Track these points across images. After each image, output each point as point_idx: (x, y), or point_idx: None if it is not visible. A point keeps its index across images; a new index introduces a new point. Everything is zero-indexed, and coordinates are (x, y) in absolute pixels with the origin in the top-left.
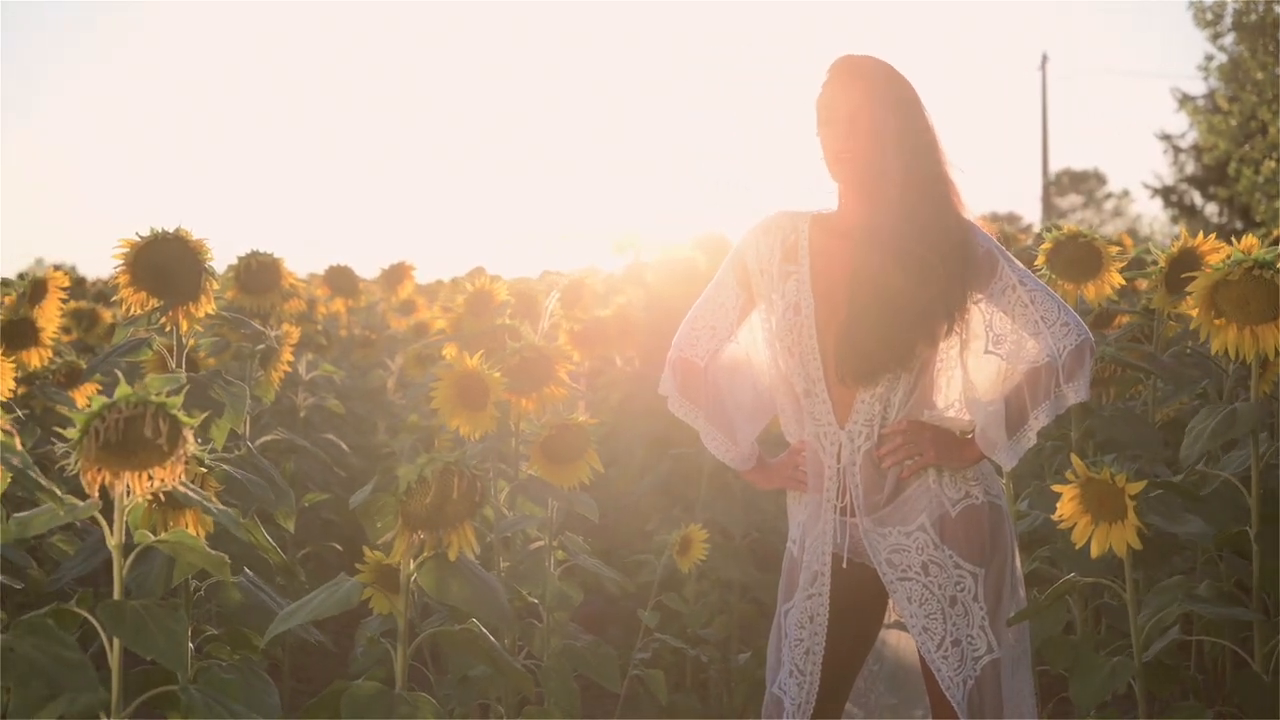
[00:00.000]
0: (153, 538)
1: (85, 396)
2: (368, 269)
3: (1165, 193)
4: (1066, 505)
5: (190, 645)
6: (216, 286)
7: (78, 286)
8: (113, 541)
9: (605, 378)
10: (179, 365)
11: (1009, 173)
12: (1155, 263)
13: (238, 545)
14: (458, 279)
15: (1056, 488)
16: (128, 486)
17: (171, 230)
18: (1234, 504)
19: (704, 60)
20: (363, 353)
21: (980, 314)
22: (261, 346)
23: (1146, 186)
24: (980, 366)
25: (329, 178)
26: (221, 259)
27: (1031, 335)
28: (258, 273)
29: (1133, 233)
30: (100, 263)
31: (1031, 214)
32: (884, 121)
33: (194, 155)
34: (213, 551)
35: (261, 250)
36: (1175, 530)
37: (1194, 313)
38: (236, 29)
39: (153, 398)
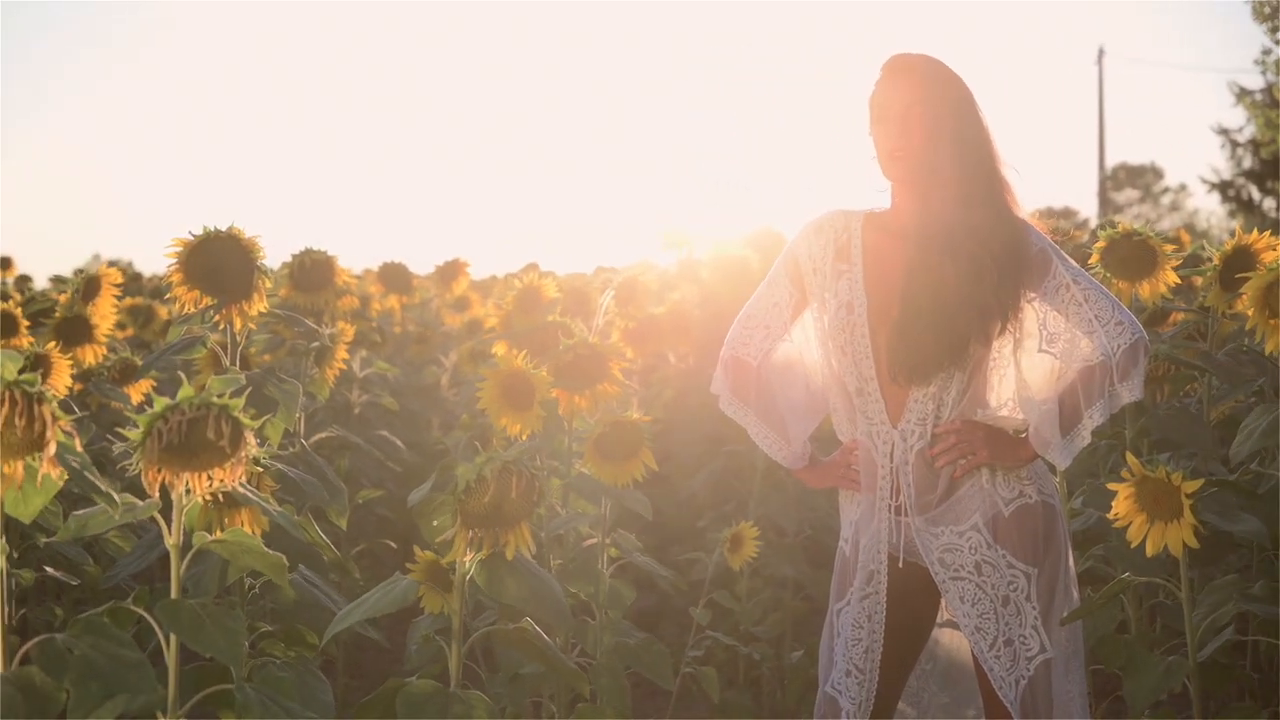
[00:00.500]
0: (210, 538)
1: (140, 393)
2: (423, 265)
3: (1223, 187)
4: (1122, 504)
5: (245, 643)
6: (269, 285)
7: (134, 282)
8: (170, 541)
9: (658, 374)
10: (233, 363)
11: (1065, 167)
12: (1210, 260)
13: (292, 543)
14: (511, 275)
15: (1112, 486)
16: (187, 487)
17: (224, 229)
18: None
19: (763, 53)
20: (417, 349)
21: (1034, 312)
22: (316, 344)
23: (1204, 181)
24: (1034, 365)
25: (385, 174)
26: (277, 256)
27: (1085, 334)
28: (311, 270)
29: (1190, 228)
30: (157, 258)
31: (1088, 209)
32: (937, 119)
33: (250, 151)
34: (269, 552)
35: (315, 248)
36: (1231, 529)
37: (1249, 312)
38: (294, 22)
39: (215, 400)
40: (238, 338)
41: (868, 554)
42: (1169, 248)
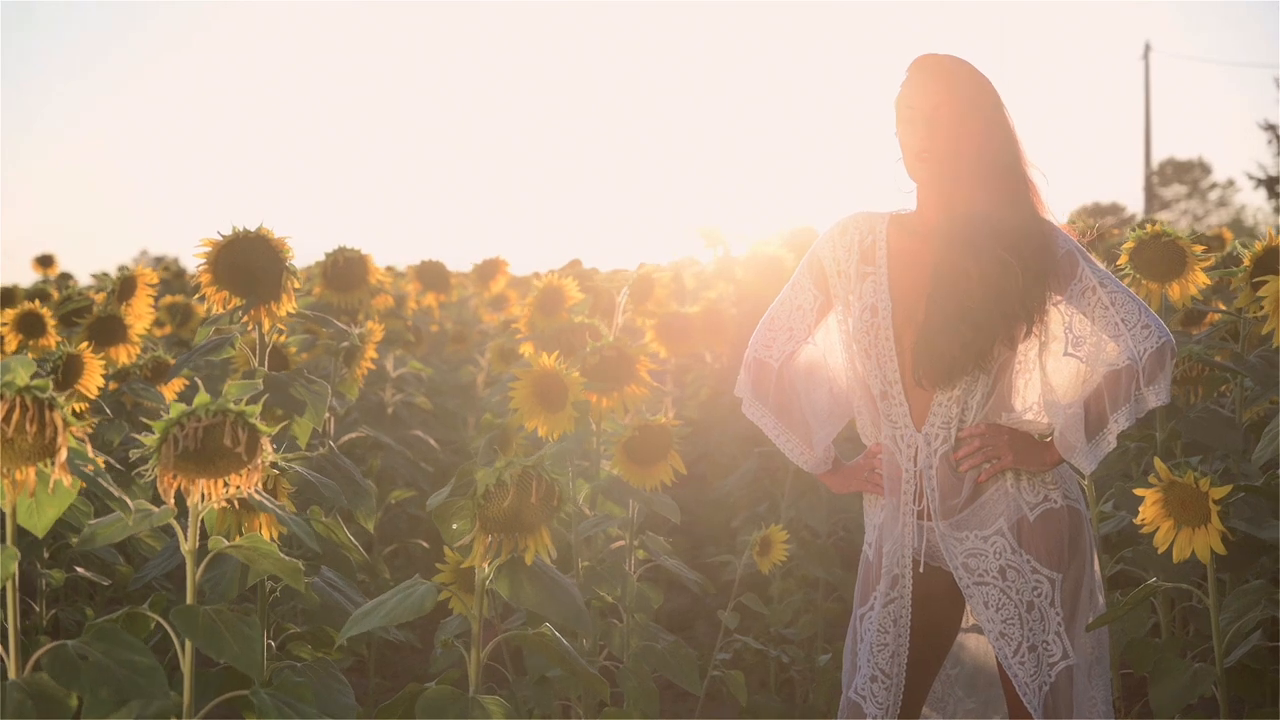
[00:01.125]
0: (227, 543)
1: (174, 392)
2: (465, 262)
3: (1269, 183)
4: (1149, 509)
5: (272, 643)
6: (298, 285)
7: (177, 279)
8: (186, 547)
9: (694, 374)
10: (262, 363)
11: (1113, 163)
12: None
13: (319, 543)
14: (539, 273)
15: (1139, 491)
16: (203, 493)
17: (253, 229)
18: None
19: (806, 53)
20: (454, 348)
21: (1060, 316)
22: (345, 344)
23: (1250, 177)
24: (1059, 369)
25: (431, 170)
26: (318, 253)
27: (1111, 337)
28: (345, 269)
29: (1237, 224)
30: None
31: (1135, 204)
32: (963, 120)
33: (295, 148)
34: (285, 558)
35: (349, 246)
36: (1260, 534)
37: (1268, 314)
38: (336, 22)
39: (232, 406)
40: (267, 338)
41: (891, 558)
42: (1199, 248)
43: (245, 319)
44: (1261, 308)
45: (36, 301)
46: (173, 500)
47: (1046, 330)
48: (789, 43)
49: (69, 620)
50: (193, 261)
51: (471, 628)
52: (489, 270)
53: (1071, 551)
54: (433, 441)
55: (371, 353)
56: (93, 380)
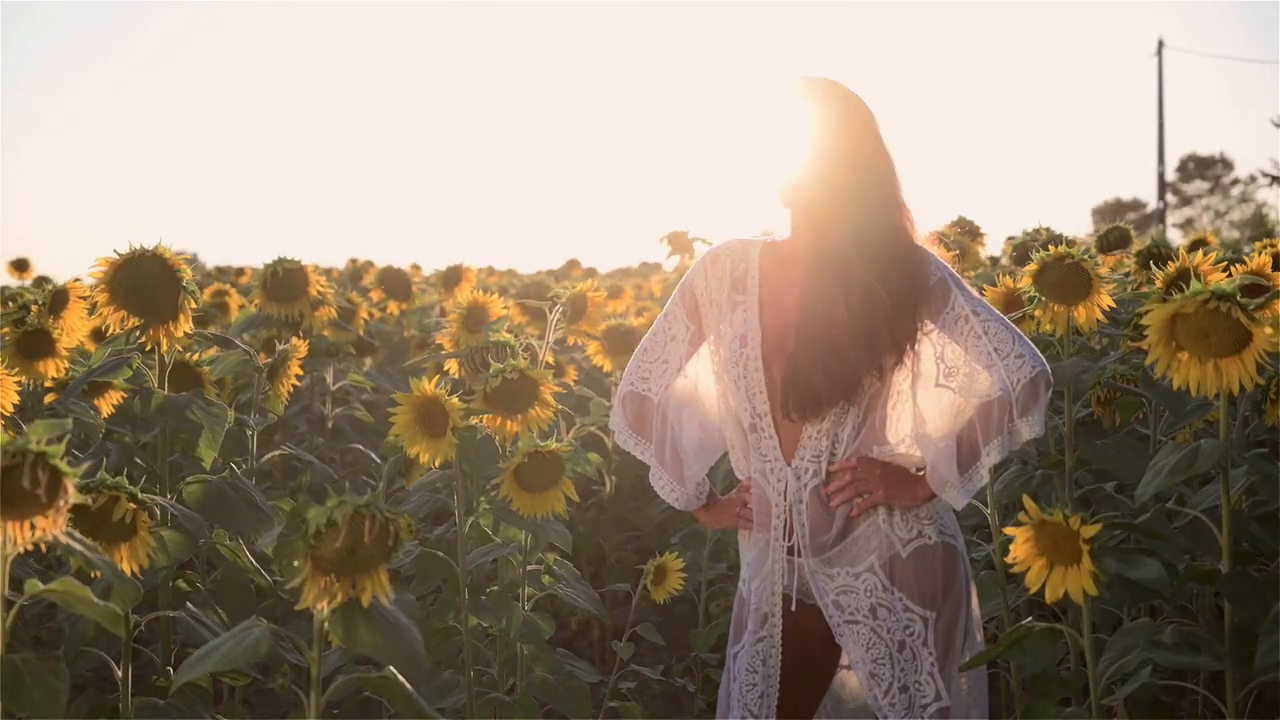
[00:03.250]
0: (42, 587)
1: (111, 406)
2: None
3: None
4: (1020, 548)
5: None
6: (195, 305)
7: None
8: None
9: None
10: (161, 385)
11: (1131, 159)
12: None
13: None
14: (553, 271)
15: (1009, 530)
16: (9, 536)
17: (150, 247)
18: (1198, 544)
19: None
20: (418, 356)
21: (931, 345)
22: (269, 360)
23: (1265, 175)
24: (931, 400)
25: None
26: (342, 256)
27: (985, 367)
28: (285, 280)
29: (1260, 220)
30: (222, 251)
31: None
32: (834, 144)
33: (313, 143)
34: (100, 603)
35: (288, 257)
36: (1131, 575)
37: (1150, 344)
38: (350, 20)
39: (32, 447)
40: (167, 359)
41: (760, 595)
42: (1103, 270)
43: (143, 339)
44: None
45: None
46: None
47: (918, 360)
48: (788, 44)
49: None
50: (212, 257)
51: (311, 671)
52: (454, 276)
53: (946, 589)
54: (374, 455)
55: (296, 369)
56: (7, 397)
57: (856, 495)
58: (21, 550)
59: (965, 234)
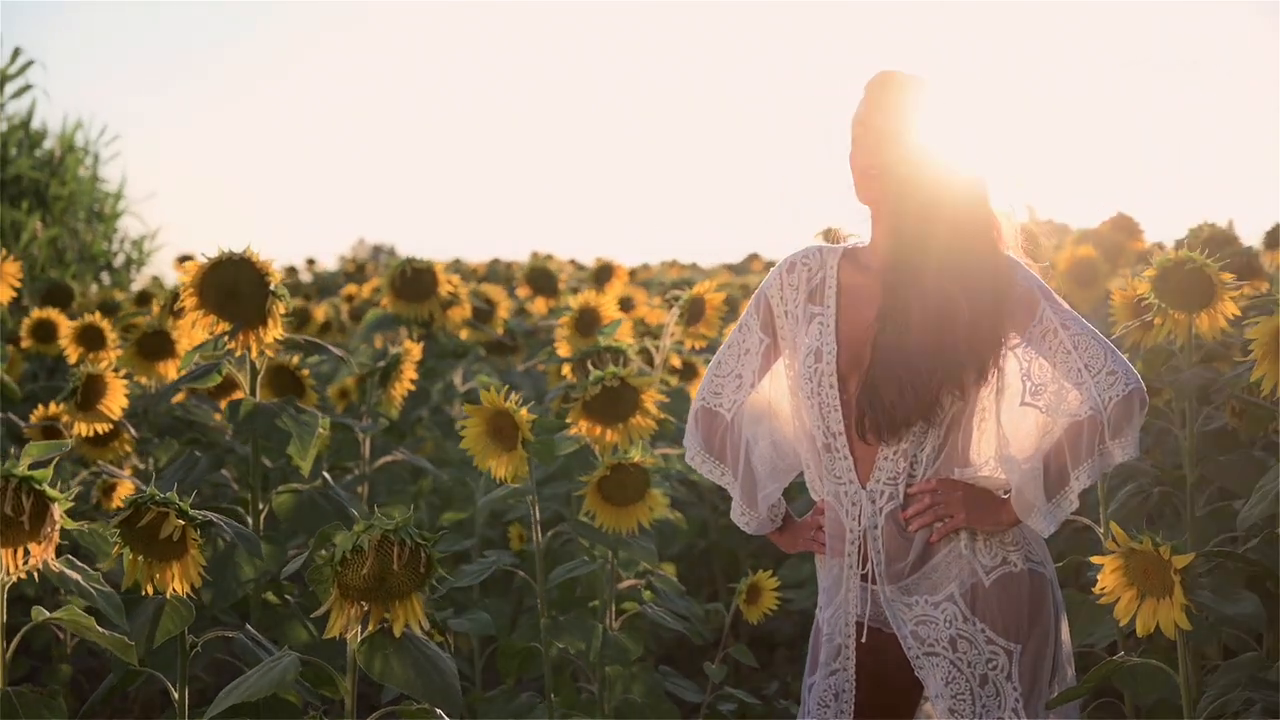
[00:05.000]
0: (47, 615)
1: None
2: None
3: None
4: (1108, 577)
5: None
6: (283, 310)
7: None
8: None
9: None
10: (252, 392)
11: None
12: None
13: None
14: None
15: (1095, 560)
16: (3, 564)
17: (239, 252)
18: None
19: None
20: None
21: (1017, 361)
22: (382, 364)
23: None
24: (1016, 420)
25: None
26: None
27: (1074, 385)
28: (413, 280)
29: None
30: (421, 244)
31: None
32: (919, 140)
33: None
34: (104, 631)
35: (418, 257)
36: (1225, 610)
37: (1258, 358)
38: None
39: (15, 471)
40: (257, 365)
41: (833, 625)
42: (1228, 276)
43: (231, 345)
44: None
45: (98, 314)
46: None
47: (1002, 376)
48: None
49: None
50: (409, 249)
51: (345, 704)
52: (605, 274)
53: (1032, 620)
54: None
55: (411, 372)
56: (116, 401)
57: (936, 520)
58: (16, 579)
59: (1121, 231)
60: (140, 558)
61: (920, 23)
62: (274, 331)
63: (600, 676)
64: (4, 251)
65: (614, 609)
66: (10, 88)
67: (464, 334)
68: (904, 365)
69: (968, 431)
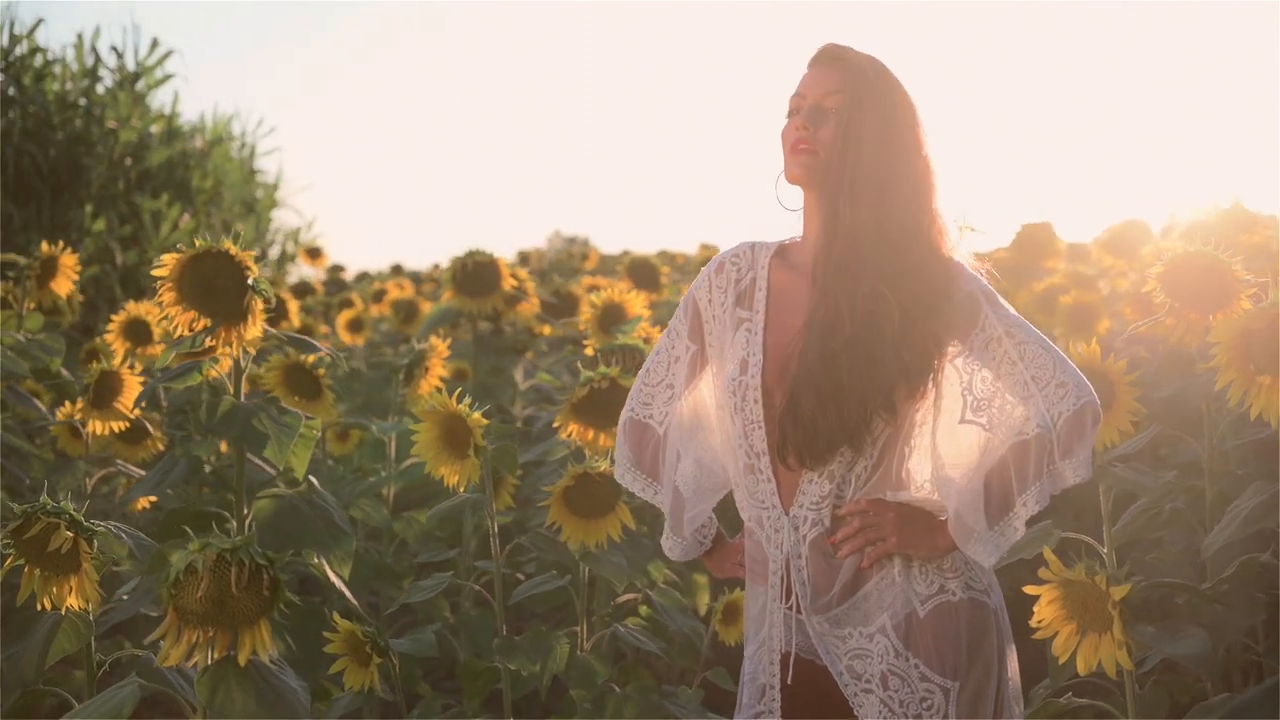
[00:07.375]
0: None
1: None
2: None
3: None
4: (1045, 609)
5: None
6: (266, 305)
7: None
8: None
9: None
10: (237, 392)
11: None
12: None
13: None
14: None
15: (1029, 590)
16: None
17: (217, 245)
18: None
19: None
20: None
21: (957, 374)
22: (405, 362)
23: None
24: (956, 438)
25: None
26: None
27: (1020, 399)
28: (475, 274)
29: None
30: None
31: None
32: (860, 115)
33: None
34: None
35: (480, 249)
36: (1167, 650)
37: (1222, 365)
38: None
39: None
40: (242, 363)
41: (756, 664)
42: (1243, 272)
43: (210, 342)
44: None
45: (143, 308)
46: None
47: (939, 393)
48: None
49: None
50: (603, 243)
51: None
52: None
53: (971, 655)
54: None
55: (439, 369)
56: (132, 398)
57: (867, 544)
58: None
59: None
60: (37, 571)
61: (920, 22)
62: (255, 329)
63: (594, 695)
64: (61, 244)
65: (586, 626)
66: (149, 79)
67: (545, 330)
68: (827, 377)
69: (902, 453)
